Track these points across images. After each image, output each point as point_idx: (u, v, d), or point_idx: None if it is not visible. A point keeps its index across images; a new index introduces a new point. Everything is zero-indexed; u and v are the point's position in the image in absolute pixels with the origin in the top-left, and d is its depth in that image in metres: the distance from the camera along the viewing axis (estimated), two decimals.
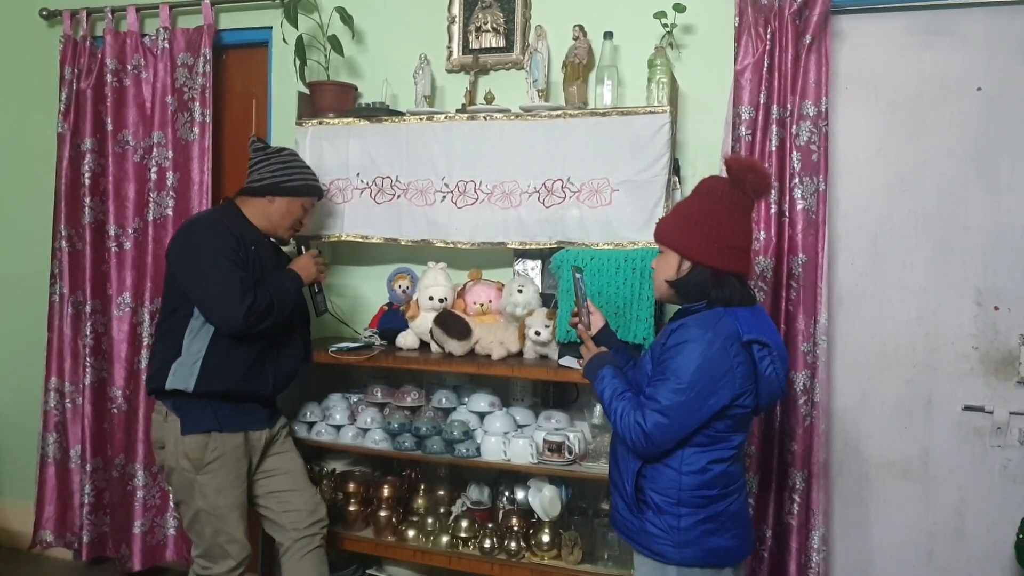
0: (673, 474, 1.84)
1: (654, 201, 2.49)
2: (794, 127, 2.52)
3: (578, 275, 2.09)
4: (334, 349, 2.68)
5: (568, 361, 2.46)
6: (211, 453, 2.36)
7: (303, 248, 2.69)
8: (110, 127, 3.34)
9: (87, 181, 3.37)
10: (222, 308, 2.28)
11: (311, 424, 2.82)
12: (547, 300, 2.68)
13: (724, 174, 1.92)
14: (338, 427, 2.79)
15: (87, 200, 3.37)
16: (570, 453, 2.47)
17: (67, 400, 3.48)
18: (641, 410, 1.81)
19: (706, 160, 2.69)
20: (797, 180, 2.52)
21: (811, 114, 2.51)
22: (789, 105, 2.53)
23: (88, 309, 3.39)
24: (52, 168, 3.45)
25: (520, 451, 2.51)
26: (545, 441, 2.49)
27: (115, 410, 3.35)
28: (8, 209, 3.76)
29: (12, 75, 3.72)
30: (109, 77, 3.33)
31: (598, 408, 2.55)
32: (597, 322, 2.15)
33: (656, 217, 2.48)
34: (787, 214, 2.55)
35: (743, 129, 2.55)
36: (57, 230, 3.44)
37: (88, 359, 3.39)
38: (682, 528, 1.83)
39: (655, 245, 2.43)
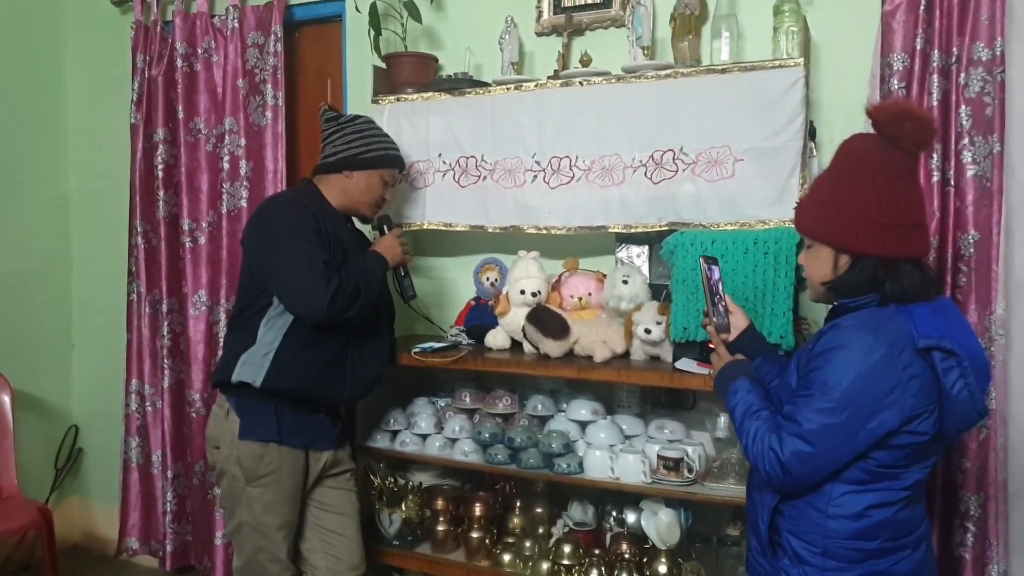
0: (818, 516, 1.46)
1: (787, 171, 2.11)
2: (962, 75, 2.08)
3: (706, 265, 1.72)
4: (417, 350, 2.40)
5: (686, 364, 2.09)
6: (266, 466, 2.12)
7: (385, 228, 2.41)
8: (181, 115, 3.16)
9: (160, 173, 3.21)
10: (305, 294, 2.03)
11: (395, 433, 2.56)
12: (657, 292, 2.32)
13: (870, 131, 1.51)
14: (424, 436, 2.52)
15: (160, 193, 3.21)
16: (690, 471, 2.11)
17: (147, 403, 3.34)
18: (777, 433, 1.44)
19: (845, 121, 2.25)
20: (967, 140, 2.07)
21: (984, 59, 2.06)
22: (955, 49, 2.08)
23: (164, 308, 3.24)
24: (127, 161, 3.32)
25: (630, 468, 2.16)
26: (660, 457, 2.15)
27: (193, 414, 3.18)
28: (88, 206, 3.66)
29: (87, 67, 3.61)
30: (179, 62, 3.15)
31: (723, 418, 2.18)
32: (739, 323, 1.77)
33: (790, 190, 2.10)
34: (953, 182, 2.10)
35: (895, 81, 2.13)
36: (133, 226, 3.30)
37: (166, 360, 3.24)
38: None
39: (789, 224, 2.08)
